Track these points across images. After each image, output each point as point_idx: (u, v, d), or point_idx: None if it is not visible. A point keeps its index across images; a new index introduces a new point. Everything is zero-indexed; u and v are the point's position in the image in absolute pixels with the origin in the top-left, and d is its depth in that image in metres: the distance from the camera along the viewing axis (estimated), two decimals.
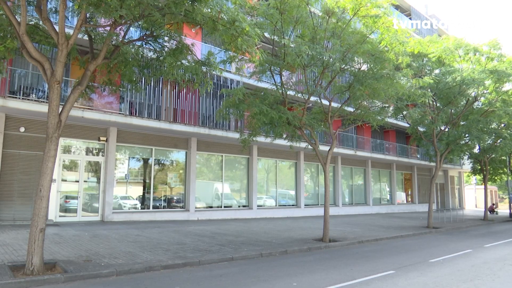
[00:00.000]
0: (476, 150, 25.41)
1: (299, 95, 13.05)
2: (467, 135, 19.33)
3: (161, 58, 9.10)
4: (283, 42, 11.21)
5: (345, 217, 22.50)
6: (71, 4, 9.05)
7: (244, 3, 10.40)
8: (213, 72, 9.91)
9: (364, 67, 12.75)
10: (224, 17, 7.40)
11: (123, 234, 11.79)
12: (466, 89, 17.11)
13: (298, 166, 22.97)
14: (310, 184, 24.34)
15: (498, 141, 22.25)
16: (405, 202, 31.84)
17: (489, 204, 28.97)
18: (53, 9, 8.60)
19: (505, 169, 28.44)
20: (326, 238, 12.15)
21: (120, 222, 14.76)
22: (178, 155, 17.95)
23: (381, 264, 9.01)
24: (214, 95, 17.81)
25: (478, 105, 20.21)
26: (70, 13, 11.04)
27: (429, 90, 15.76)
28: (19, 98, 12.43)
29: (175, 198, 17.78)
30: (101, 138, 15.15)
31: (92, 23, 8.48)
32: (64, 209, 14.28)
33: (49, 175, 7.12)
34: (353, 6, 11.08)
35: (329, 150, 13.19)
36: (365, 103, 13.63)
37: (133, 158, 16.64)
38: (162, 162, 17.60)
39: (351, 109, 14.71)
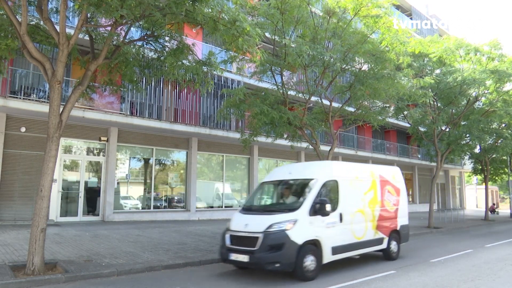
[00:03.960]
0: (477, 150, 25.35)
1: (300, 95, 13.03)
2: (468, 135, 19.30)
3: (162, 58, 9.10)
4: (284, 42, 11.21)
5: None
6: (72, 4, 9.05)
7: (245, 3, 10.40)
8: (214, 72, 9.91)
9: (365, 67, 12.74)
10: (225, 17, 7.40)
11: (124, 234, 11.79)
12: (467, 89, 17.08)
13: None
14: None
15: (499, 141, 22.21)
16: None
17: (489, 204, 28.90)
18: (54, 9, 8.61)
19: (506, 169, 28.40)
20: None
21: (121, 222, 14.76)
22: (179, 155, 17.95)
23: (381, 264, 9.01)
24: (215, 95, 17.81)
25: (479, 105, 20.18)
26: (71, 13, 11.03)
27: (430, 90, 15.73)
28: (20, 98, 12.44)
29: (176, 198, 17.78)
30: (102, 138, 15.15)
31: (93, 23, 8.49)
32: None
33: (50, 175, 7.13)
34: (354, 6, 11.07)
35: (330, 150, 13.18)
36: (366, 103, 13.62)
37: (134, 158, 16.64)
38: (163, 162, 17.61)
39: (352, 109, 14.69)
